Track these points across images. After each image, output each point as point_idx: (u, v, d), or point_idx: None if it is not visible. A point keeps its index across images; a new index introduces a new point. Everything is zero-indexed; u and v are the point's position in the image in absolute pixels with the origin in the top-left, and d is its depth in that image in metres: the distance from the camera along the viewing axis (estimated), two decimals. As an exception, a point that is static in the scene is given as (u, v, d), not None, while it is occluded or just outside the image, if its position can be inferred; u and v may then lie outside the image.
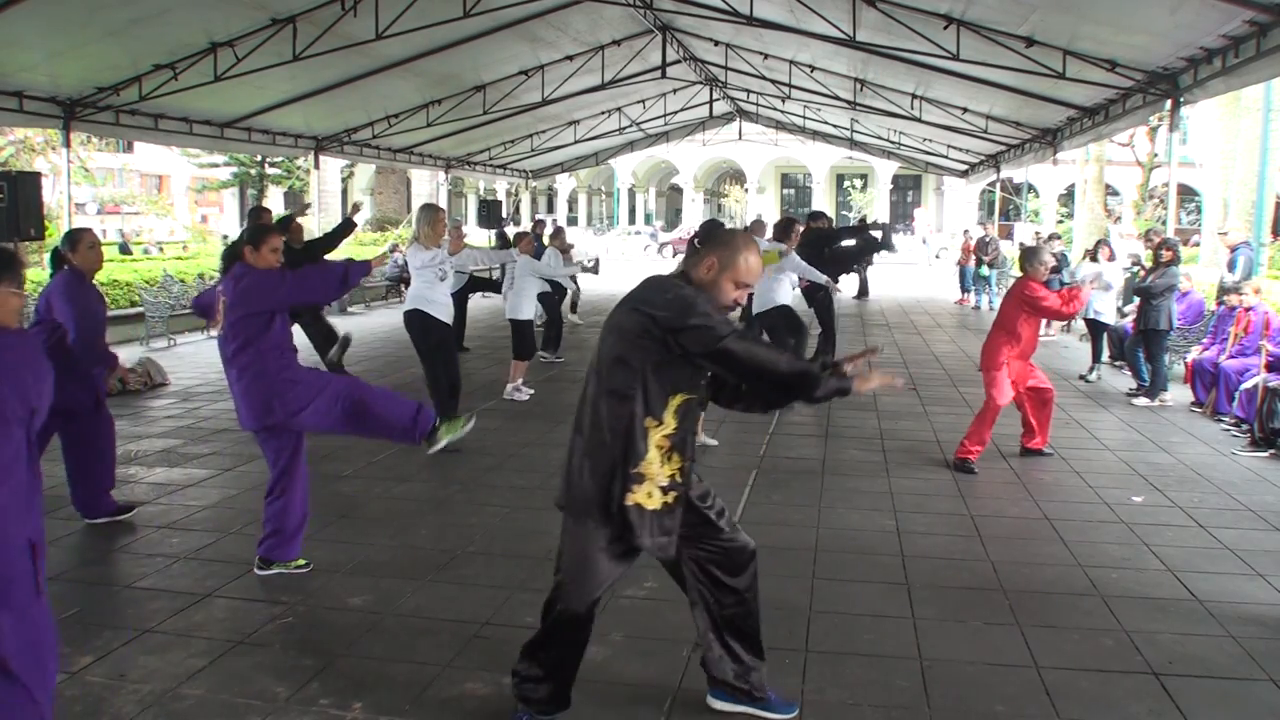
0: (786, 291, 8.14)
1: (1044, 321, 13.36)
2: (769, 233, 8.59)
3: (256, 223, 6.83)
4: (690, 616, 3.16)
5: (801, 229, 8.81)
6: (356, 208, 10.15)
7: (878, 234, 11.69)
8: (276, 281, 4.22)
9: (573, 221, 50.70)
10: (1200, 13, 6.89)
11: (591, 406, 2.79)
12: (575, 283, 14.41)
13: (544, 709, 3.01)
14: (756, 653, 3.12)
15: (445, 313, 6.81)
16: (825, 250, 10.17)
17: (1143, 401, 8.66)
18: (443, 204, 29.34)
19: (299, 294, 4.38)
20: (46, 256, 17.22)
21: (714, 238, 2.90)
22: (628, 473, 2.74)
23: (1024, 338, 6.38)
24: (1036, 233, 19.90)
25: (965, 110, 13.30)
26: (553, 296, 10.71)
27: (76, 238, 5.06)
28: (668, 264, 32.53)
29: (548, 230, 15.05)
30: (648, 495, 2.76)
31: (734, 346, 2.65)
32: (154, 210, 34.52)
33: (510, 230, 17.01)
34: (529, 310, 8.77)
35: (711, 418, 7.24)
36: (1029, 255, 6.61)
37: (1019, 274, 6.70)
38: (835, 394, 2.72)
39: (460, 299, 11.60)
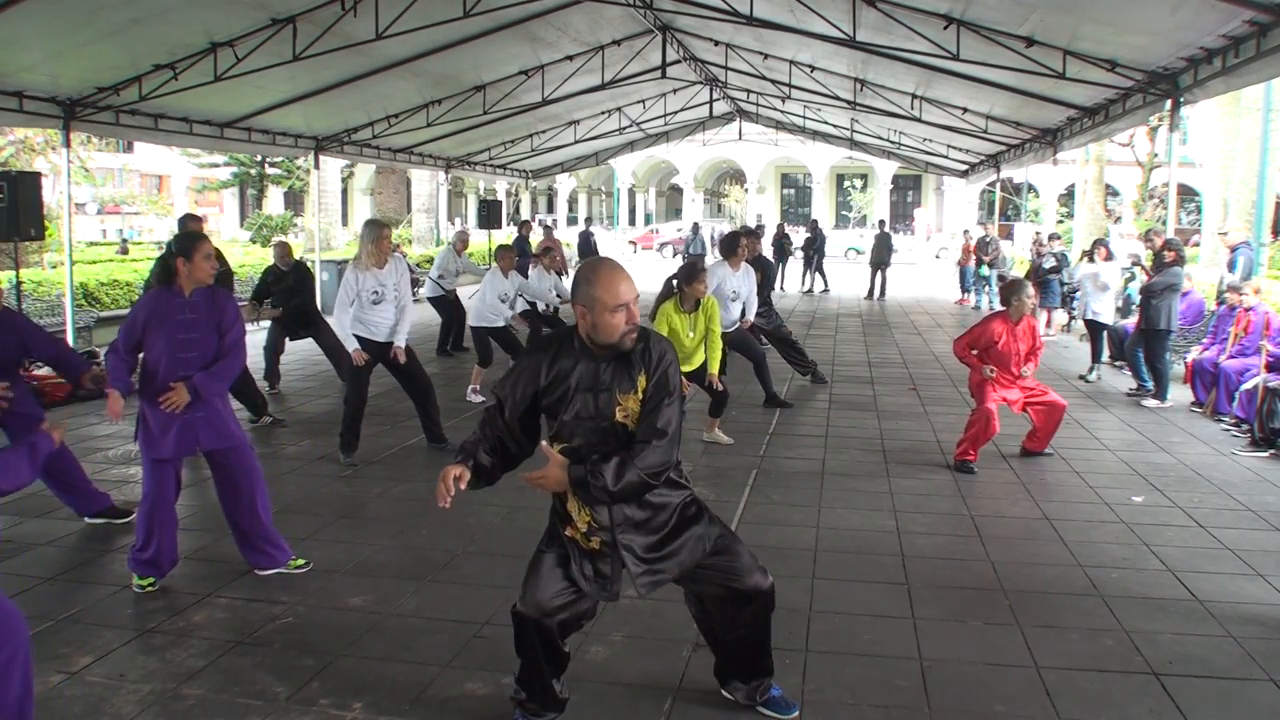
0: (734, 316, 7.90)
1: (1045, 321, 13.48)
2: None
3: (185, 230, 6.23)
4: (688, 615, 3.17)
5: (746, 243, 8.38)
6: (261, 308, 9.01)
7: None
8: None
9: (573, 221, 50.66)
10: (1200, 13, 6.89)
11: None
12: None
13: (530, 710, 3.02)
14: (756, 674, 3.13)
15: (381, 332, 6.33)
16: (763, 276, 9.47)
17: (1153, 403, 8.61)
18: (442, 204, 29.40)
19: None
20: (46, 257, 17.19)
21: (574, 286, 2.76)
22: (560, 507, 2.88)
23: (990, 358, 6.43)
24: (1037, 232, 19.89)
25: (965, 110, 13.30)
26: (537, 313, 10.22)
27: None
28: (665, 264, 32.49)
29: (534, 234, 14.78)
30: (582, 535, 2.83)
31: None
32: (154, 210, 34.56)
33: (512, 230, 16.86)
34: (492, 320, 8.49)
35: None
36: (1013, 290, 6.48)
37: (1001, 306, 6.63)
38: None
39: (456, 300, 11.57)
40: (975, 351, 6.50)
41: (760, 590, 2.95)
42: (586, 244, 19.82)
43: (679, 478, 2.89)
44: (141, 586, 4.20)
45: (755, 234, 10.06)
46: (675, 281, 6.55)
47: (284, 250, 8.91)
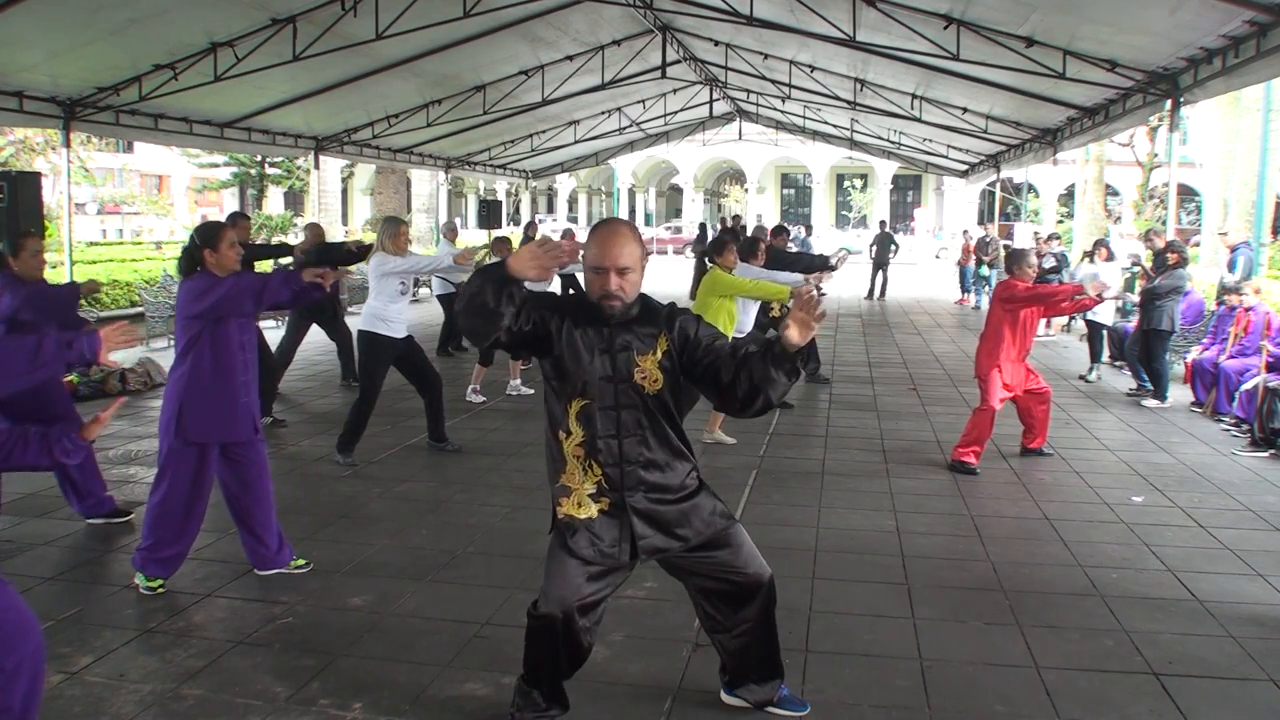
0: (752, 318, 7.70)
1: (1044, 321, 13.48)
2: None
3: (205, 221, 6.28)
4: (688, 615, 3.17)
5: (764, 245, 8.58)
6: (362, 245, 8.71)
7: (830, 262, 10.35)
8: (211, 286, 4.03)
9: (573, 221, 50.70)
10: (1200, 13, 6.89)
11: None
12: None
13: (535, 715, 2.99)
14: (772, 674, 3.11)
15: (400, 329, 6.40)
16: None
17: (1153, 403, 8.62)
18: (442, 204, 29.37)
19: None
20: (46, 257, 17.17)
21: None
22: (555, 485, 2.85)
23: (1011, 339, 6.37)
24: (1036, 233, 19.91)
25: (965, 110, 13.30)
26: None
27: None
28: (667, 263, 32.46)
29: (543, 232, 15.00)
30: (577, 505, 2.79)
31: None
32: (154, 210, 34.55)
33: (510, 230, 16.93)
34: None
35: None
36: (1016, 258, 6.57)
37: (1005, 277, 6.66)
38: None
39: (449, 300, 11.60)
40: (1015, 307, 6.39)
41: (761, 581, 2.92)
42: (704, 239, 20.19)
43: (685, 447, 2.84)
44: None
45: (783, 233, 10.44)
46: (706, 259, 6.73)
47: (318, 232, 8.97)
